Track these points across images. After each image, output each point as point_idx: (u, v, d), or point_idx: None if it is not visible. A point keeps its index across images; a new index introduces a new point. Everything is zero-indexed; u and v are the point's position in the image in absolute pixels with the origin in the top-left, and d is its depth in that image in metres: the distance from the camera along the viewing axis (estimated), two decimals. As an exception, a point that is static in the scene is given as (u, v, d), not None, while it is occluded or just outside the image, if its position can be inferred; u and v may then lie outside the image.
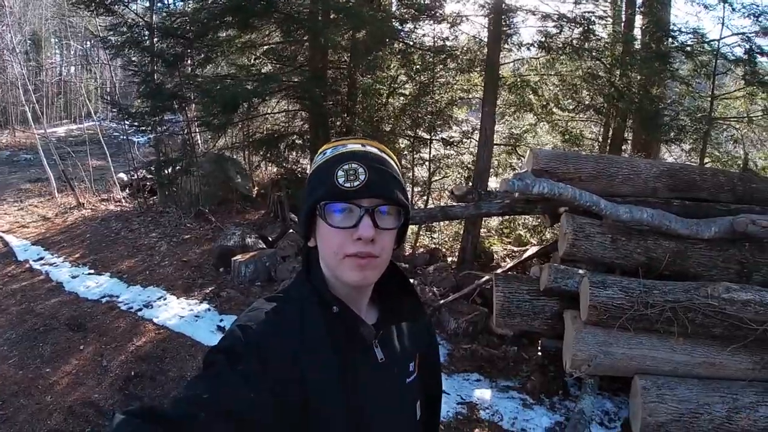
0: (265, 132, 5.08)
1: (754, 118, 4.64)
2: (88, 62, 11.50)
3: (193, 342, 2.93)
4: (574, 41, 3.86)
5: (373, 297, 0.71)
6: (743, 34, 4.36)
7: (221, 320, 3.19)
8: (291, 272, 3.69)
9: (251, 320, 0.62)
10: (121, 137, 6.79)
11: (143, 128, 4.92)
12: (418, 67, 4.44)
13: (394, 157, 0.70)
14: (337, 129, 4.56)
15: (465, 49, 4.41)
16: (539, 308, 2.82)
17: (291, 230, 4.55)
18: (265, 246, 4.27)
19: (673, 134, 4.74)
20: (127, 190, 6.48)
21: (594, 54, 3.90)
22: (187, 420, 0.49)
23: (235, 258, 3.87)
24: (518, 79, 4.13)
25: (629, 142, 4.80)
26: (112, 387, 2.56)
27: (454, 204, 3.35)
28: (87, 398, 2.49)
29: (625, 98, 3.83)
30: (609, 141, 4.57)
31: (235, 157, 6.34)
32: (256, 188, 6.22)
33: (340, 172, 0.62)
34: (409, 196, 5.01)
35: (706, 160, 5.04)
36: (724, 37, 4.51)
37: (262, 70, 4.82)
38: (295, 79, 4.62)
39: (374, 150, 0.67)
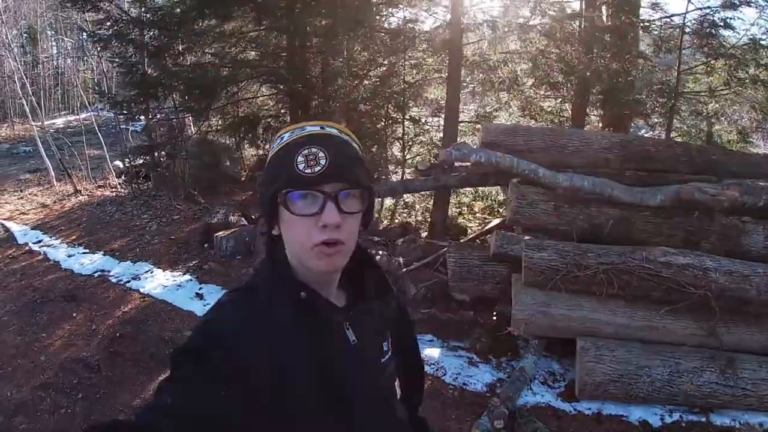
0: (243, 115, 5.29)
1: (716, 92, 4.73)
2: (84, 53, 11.74)
3: (173, 307, 3.22)
4: (521, 19, 4.00)
5: (341, 280, 0.71)
6: (708, 8, 4.46)
7: (200, 288, 3.48)
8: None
9: (217, 316, 0.62)
10: (114, 126, 7.04)
11: (130, 116, 5.17)
12: (385, 48, 4.61)
13: (355, 138, 0.69)
14: (313, 110, 4.77)
15: (433, 30, 4.57)
16: (489, 273, 3.04)
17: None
18: (247, 223, 4.54)
19: (641, 109, 4.89)
20: (122, 177, 6.77)
21: (542, 30, 4.03)
22: (153, 429, 0.50)
23: (217, 234, 4.15)
24: (479, 58, 4.28)
25: (597, 118, 4.95)
26: (99, 346, 2.87)
27: (414, 178, 3.57)
28: (76, 356, 2.80)
29: (576, 74, 3.97)
30: (572, 117, 4.72)
31: (225, 141, 6.59)
32: (245, 171, 6.48)
33: (300, 158, 0.61)
34: (388, 173, 5.23)
35: (675, 134, 5.19)
36: (690, 11, 4.61)
37: (243, 57, 5.02)
38: (272, 65, 4.83)
39: (334, 131, 0.66)
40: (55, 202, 6.01)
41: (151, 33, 5.09)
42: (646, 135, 5.73)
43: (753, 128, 5.34)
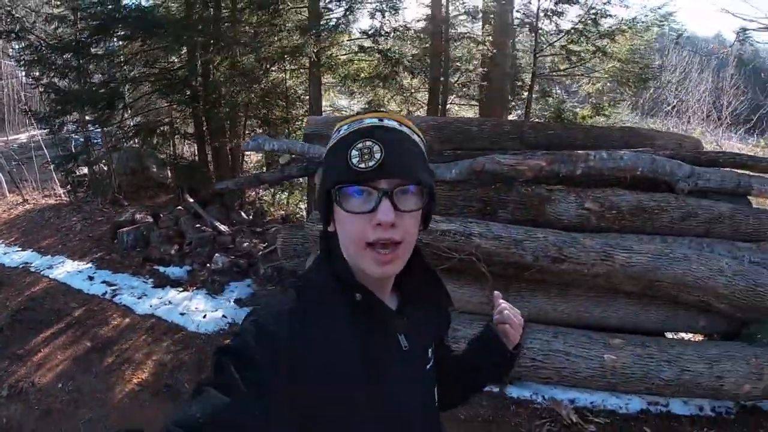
0: (139, 123, 6.28)
1: (566, 71, 5.53)
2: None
3: (69, 288, 4.22)
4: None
5: (394, 281, 0.70)
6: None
7: (94, 273, 4.47)
8: (159, 238, 4.94)
9: (267, 316, 0.61)
10: (57, 140, 8.04)
11: (52, 130, 6.19)
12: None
13: (417, 131, 0.68)
14: (203, 114, 5.72)
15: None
16: (309, 249, 3.95)
17: (179, 206, 5.81)
18: (152, 220, 5.53)
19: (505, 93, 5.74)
20: (68, 186, 7.80)
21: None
22: None
23: (120, 230, 5.15)
24: (330, 60, 5.18)
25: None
26: (7, 316, 3.89)
27: (264, 171, 4.52)
28: (-12, 325, 3.83)
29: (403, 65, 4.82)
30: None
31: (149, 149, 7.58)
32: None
33: (354, 152, 0.60)
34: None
35: (549, 114, 5.99)
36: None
37: (142, 72, 5.99)
38: (163, 78, 5.81)
39: (393, 124, 0.65)
40: (4, 211, 7.06)
41: (63, 57, 6.08)
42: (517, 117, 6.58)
43: (613, 100, 6.00)
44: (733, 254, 3.20)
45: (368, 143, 0.61)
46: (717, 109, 12.16)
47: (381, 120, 0.64)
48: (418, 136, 0.67)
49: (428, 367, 0.74)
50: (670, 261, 2.72)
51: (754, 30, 5.38)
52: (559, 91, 5.97)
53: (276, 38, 4.89)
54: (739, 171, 3.89)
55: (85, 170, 7.70)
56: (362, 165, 0.60)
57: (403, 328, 0.69)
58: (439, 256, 2.67)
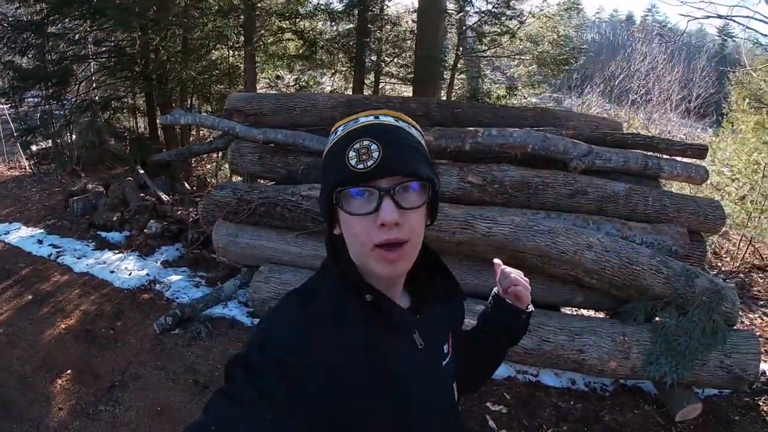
0: (90, 100, 6.67)
1: (484, 51, 5.89)
2: None
3: (20, 250, 4.74)
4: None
5: (406, 279, 0.72)
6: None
7: (44, 238, 4.99)
8: (105, 206, 5.43)
9: (276, 325, 0.63)
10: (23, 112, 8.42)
11: (12, 104, 6.59)
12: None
13: (415, 125, 0.69)
14: (155, 90, 6.09)
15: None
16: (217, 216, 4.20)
17: (129, 177, 6.28)
18: (102, 190, 6.02)
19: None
20: (33, 159, 8.24)
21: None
22: None
23: (71, 198, 5.65)
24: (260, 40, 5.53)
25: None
26: (-38, 275, 4.44)
27: (196, 143, 4.96)
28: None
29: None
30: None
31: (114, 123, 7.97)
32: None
33: (351, 153, 0.61)
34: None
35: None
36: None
37: (92, 51, 6.34)
38: (113, 56, 6.17)
39: (389, 120, 0.65)
40: (-28, 183, 7.54)
41: (23, 36, 6.42)
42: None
43: (536, 82, 6.43)
44: (623, 233, 3.28)
45: (365, 142, 0.61)
46: (687, 100, 12.47)
47: (377, 117, 0.65)
48: (417, 130, 0.68)
49: (445, 363, 0.75)
50: (533, 233, 2.84)
51: (700, 19, 5.67)
52: (494, 74, 6.31)
53: (205, 20, 5.21)
54: (649, 153, 4.00)
55: (51, 143, 8.15)
56: (360, 165, 0.60)
57: (416, 326, 0.70)
58: (313, 219, 3.17)
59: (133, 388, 2.80)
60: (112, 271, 4.11)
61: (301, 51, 5.38)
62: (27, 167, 7.96)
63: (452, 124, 3.77)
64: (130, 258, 4.39)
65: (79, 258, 4.44)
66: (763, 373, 3.15)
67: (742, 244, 5.44)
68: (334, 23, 5.31)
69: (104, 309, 3.63)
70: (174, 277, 4.03)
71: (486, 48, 5.47)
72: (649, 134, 4.88)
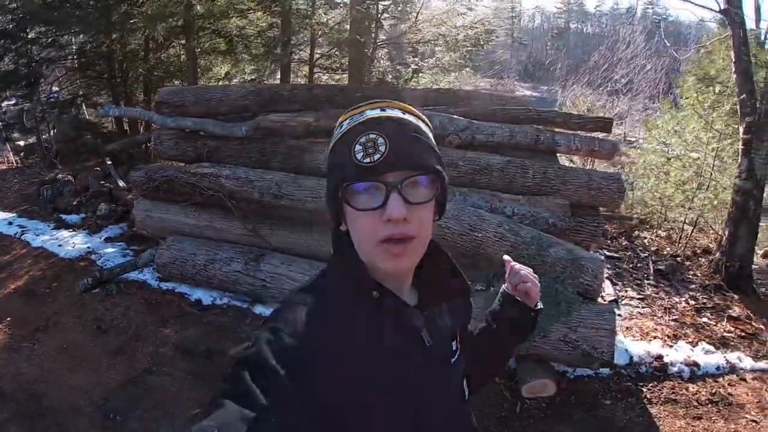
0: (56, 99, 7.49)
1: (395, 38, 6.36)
2: None
3: (-6, 230, 5.60)
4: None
5: (414, 275, 0.73)
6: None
7: (15, 220, 5.80)
8: (69, 192, 6.24)
9: (282, 322, 0.62)
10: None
11: None
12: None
13: (423, 117, 0.69)
14: (119, 87, 6.86)
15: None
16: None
17: (96, 167, 7.09)
18: (71, 179, 6.84)
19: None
20: (21, 153, 9.18)
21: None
22: None
23: (43, 186, 6.48)
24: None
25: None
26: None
27: (139, 134, 5.69)
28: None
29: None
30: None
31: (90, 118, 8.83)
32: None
33: (358, 147, 0.61)
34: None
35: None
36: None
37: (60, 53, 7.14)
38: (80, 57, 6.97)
39: (396, 113, 0.66)
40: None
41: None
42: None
43: (441, 63, 6.74)
44: (492, 204, 3.42)
45: (372, 136, 0.61)
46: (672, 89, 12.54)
47: (383, 110, 0.65)
48: (425, 122, 0.68)
49: (453, 360, 0.75)
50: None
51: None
52: (414, 58, 6.78)
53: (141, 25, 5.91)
54: (541, 127, 4.21)
55: (35, 139, 9.08)
56: (367, 160, 0.60)
57: (424, 323, 0.70)
58: (201, 193, 3.65)
59: (51, 331, 3.54)
60: (60, 245, 4.88)
61: (223, 48, 6.06)
62: (14, 161, 8.91)
63: (346, 105, 4.34)
64: (80, 235, 5.16)
65: (37, 235, 5.23)
66: (659, 357, 3.23)
67: (687, 227, 5.55)
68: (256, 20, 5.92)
69: (47, 274, 4.40)
70: (109, 250, 4.77)
71: (398, 34, 6.00)
72: (547, 109, 5.15)
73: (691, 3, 4.92)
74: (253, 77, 6.77)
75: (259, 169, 3.74)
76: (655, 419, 2.74)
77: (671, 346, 3.43)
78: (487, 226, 3.05)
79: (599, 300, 3.74)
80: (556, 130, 4.41)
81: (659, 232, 5.95)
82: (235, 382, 0.57)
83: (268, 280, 3.34)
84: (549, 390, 2.80)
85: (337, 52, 6.24)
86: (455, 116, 4.06)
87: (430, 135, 0.69)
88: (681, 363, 3.22)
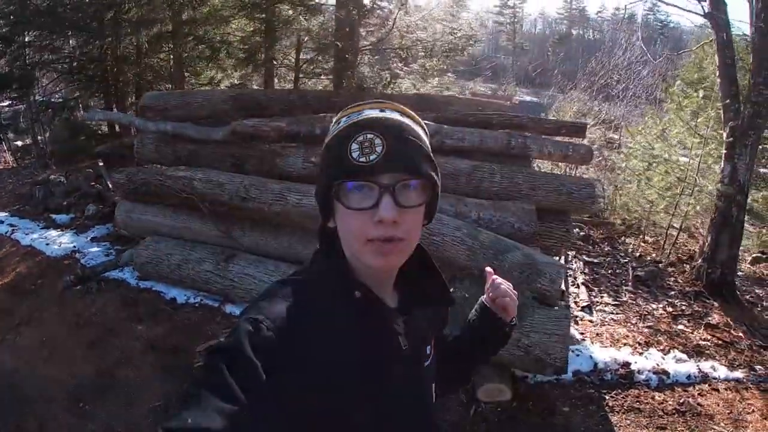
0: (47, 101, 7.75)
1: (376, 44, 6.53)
2: None
3: (-13, 229, 5.86)
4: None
5: (397, 279, 0.74)
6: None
7: (6, 219, 6.05)
8: (60, 192, 6.48)
9: (262, 314, 0.63)
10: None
11: None
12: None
13: (420, 121, 0.70)
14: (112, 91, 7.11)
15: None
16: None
17: (89, 169, 7.34)
18: (63, 180, 7.10)
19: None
20: (18, 154, 9.47)
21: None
22: None
23: (35, 186, 6.74)
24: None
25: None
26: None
27: (127, 137, 5.92)
28: None
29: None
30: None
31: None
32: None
33: (354, 145, 0.62)
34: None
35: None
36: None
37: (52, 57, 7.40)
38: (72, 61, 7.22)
39: (395, 115, 0.67)
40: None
41: None
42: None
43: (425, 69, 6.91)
44: (457, 209, 3.42)
45: (369, 136, 0.62)
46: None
47: (382, 111, 0.66)
48: (421, 127, 0.70)
49: (427, 364, 0.77)
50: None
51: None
52: (408, 66, 6.97)
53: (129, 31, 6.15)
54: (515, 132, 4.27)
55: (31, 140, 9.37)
56: (363, 159, 0.61)
57: (402, 327, 0.71)
58: (175, 195, 3.73)
59: (33, 325, 3.77)
60: (47, 244, 5.12)
61: (207, 54, 6.28)
62: (10, 162, 9.20)
63: (329, 111, 4.24)
64: (67, 235, 5.40)
65: (27, 234, 5.48)
66: (626, 364, 3.15)
67: (672, 233, 5.50)
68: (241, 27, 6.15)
69: (33, 271, 4.64)
70: (94, 249, 4.99)
71: (375, 40, 6.19)
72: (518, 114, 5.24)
73: (676, 7, 5.00)
74: (240, 83, 7.00)
75: (233, 173, 3.87)
76: (616, 428, 2.67)
77: (641, 354, 3.34)
78: (446, 230, 3.11)
79: (573, 305, 3.99)
80: (526, 134, 4.43)
81: (646, 237, 5.95)
82: (211, 373, 0.57)
83: (237, 279, 3.48)
84: (505, 395, 2.79)
85: (319, 58, 6.44)
86: (426, 121, 4.31)
87: (426, 139, 0.70)
88: (649, 371, 3.14)
